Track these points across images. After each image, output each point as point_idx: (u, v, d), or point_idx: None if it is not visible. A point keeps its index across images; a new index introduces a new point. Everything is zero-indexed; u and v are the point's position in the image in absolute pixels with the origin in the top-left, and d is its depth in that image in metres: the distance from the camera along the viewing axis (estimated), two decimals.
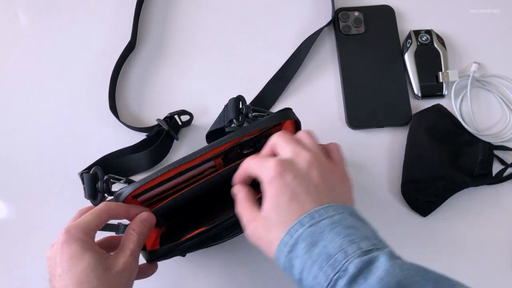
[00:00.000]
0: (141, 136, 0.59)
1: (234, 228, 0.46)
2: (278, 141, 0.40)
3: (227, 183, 0.45)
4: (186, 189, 0.46)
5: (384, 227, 0.55)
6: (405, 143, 0.58)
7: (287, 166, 0.38)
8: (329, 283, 0.32)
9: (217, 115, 0.54)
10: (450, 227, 0.55)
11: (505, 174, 0.56)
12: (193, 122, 0.60)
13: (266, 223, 0.37)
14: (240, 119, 0.50)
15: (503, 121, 0.60)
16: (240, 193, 0.42)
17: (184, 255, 0.50)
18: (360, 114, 0.60)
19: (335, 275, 0.32)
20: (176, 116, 0.58)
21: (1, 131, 0.60)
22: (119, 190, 0.44)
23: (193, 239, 0.44)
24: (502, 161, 0.57)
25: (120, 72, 0.63)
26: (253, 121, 0.49)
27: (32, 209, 0.57)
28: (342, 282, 0.32)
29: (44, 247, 0.54)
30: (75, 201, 0.56)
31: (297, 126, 0.49)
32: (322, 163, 0.39)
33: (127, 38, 0.63)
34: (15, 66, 0.63)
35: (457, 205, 0.56)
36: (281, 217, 0.36)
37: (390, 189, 0.57)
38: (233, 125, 0.50)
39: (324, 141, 0.60)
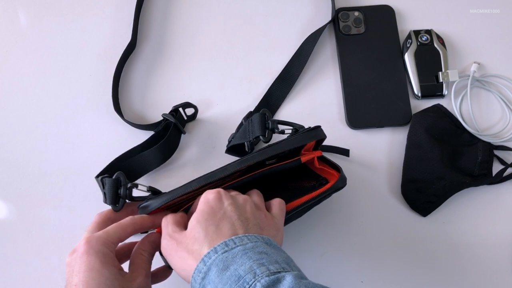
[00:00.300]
0: (146, 134, 0.59)
1: None
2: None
3: (247, 188, 0.46)
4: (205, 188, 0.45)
5: (384, 227, 0.55)
6: (405, 143, 0.58)
7: (226, 194, 0.42)
8: None
9: (219, 113, 0.53)
10: (450, 227, 0.55)
11: (505, 174, 0.56)
12: (198, 116, 0.60)
13: (192, 235, 0.39)
14: (266, 135, 0.50)
15: (503, 121, 0.60)
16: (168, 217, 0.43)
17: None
18: (360, 114, 0.60)
19: None
20: (181, 109, 0.58)
21: (1, 131, 0.60)
22: (145, 202, 0.44)
23: None
24: (502, 161, 0.57)
25: (122, 72, 0.63)
26: (280, 134, 0.50)
27: (32, 209, 0.57)
28: None
29: (44, 247, 0.55)
30: (76, 201, 0.57)
31: (319, 142, 0.49)
32: (257, 205, 0.43)
33: (127, 38, 0.63)
34: (15, 66, 0.63)
35: (457, 205, 0.56)
36: (208, 233, 0.39)
37: (390, 189, 0.57)
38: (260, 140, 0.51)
39: (324, 141, 0.60)
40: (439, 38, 0.62)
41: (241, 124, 0.57)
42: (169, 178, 0.58)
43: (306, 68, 0.62)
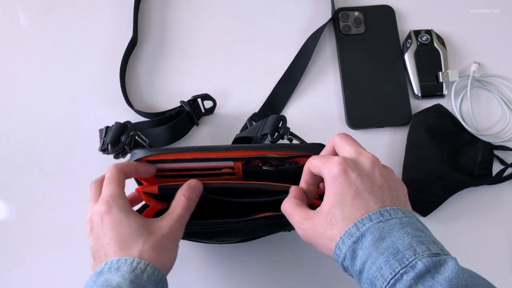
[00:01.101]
0: None
1: (243, 233, 0.47)
2: (339, 141, 0.41)
3: (238, 195, 0.46)
4: (200, 178, 0.46)
5: None
6: (405, 143, 0.58)
7: (351, 164, 0.37)
8: (394, 276, 0.32)
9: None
10: (450, 227, 0.55)
11: (505, 174, 0.56)
12: (215, 111, 0.60)
13: (327, 220, 0.37)
14: (274, 137, 0.50)
15: (503, 121, 0.60)
16: (290, 192, 0.42)
17: None
18: (360, 114, 0.60)
19: (401, 269, 0.32)
20: (199, 100, 0.57)
21: (1, 131, 0.60)
22: (136, 149, 0.44)
23: (199, 227, 0.45)
24: (502, 161, 0.57)
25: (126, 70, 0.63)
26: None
27: (32, 209, 0.57)
28: (407, 277, 0.32)
29: (44, 247, 0.55)
30: (76, 201, 0.57)
31: None
32: (384, 166, 0.39)
33: (127, 37, 0.63)
34: (15, 66, 0.63)
35: (457, 205, 0.56)
36: (345, 213, 0.36)
37: None
38: (265, 140, 0.51)
39: (324, 141, 0.60)
40: (439, 38, 0.62)
41: (245, 125, 0.57)
42: None
43: (307, 68, 0.62)
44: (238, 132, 0.58)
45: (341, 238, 0.35)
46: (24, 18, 0.66)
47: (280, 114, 0.60)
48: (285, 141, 0.50)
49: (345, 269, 0.37)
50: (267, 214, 0.45)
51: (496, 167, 0.57)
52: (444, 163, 0.55)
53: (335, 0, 0.65)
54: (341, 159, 0.38)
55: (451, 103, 0.60)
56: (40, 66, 0.63)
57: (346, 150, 0.40)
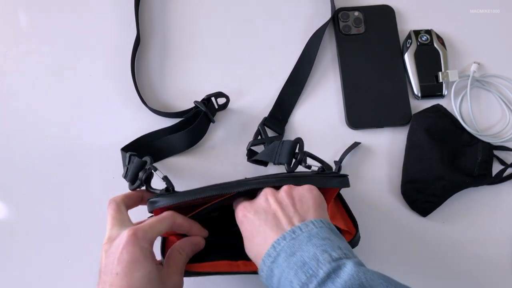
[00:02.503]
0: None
1: None
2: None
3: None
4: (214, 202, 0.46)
5: (384, 227, 0.55)
6: (405, 143, 0.58)
7: (247, 207, 0.43)
8: (302, 286, 0.36)
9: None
10: (450, 227, 0.55)
11: (505, 174, 0.56)
12: (229, 105, 0.60)
13: (251, 256, 0.43)
14: (291, 166, 0.49)
15: (503, 121, 0.60)
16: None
17: None
18: (360, 114, 0.60)
19: (307, 279, 0.36)
20: (213, 99, 0.58)
21: (1, 131, 0.60)
22: (153, 197, 0.44)
23: (216, 274, 0.45)
24: (502, 162, 0.57)
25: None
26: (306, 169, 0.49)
27: (32, 209, 0.57)
28: (312, 286, 0.35)
29: (44, 247, 0.55)
30: (76, 201, 0.57)
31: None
32: (283, 190, 0.43)
33: (127, 36, 0.63)
34: (15, 66, 0.63)
35: (457, 205, 0.56)
36: (256, 248, 0.41)
37: (390, 189, 0.57)
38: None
39: (324, 141, 0.60)
40: (439, 38, 0.62)
41: (257, 131, 0.57)
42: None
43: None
44: (251, 131, 0.58)
45: (262, 260, 0.39)
46: (24, 18, 0.66)
47: (288, 116, 0.60)
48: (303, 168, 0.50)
49: (265, 282, 0.40)
50: None
51: (496, 168, 0.57)
52: (444, 163, 0.55)
53: (335, 0, 0.65)
54: (241, 206, 0.44)
55: (451, 103, 0.60)
56: (40, 66, 0.63)
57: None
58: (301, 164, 0.49)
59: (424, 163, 0.55)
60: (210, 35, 0.65)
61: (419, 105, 0.60)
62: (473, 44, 0.63)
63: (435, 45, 0.62)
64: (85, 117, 0.61)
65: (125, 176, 0.49)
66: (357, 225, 0.48)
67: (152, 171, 0.47)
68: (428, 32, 0.62)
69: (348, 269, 0.35)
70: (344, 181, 0.46)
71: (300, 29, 0.64)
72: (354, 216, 0.49)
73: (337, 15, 0.64)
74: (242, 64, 0.63)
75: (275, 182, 0.44)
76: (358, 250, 0.54)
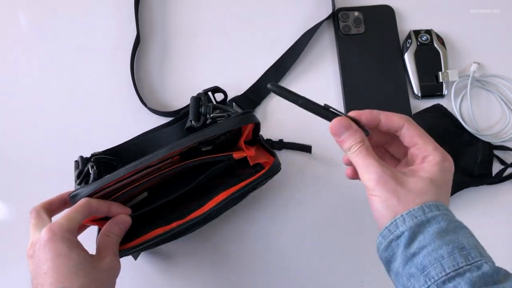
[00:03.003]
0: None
1: (197, 225, 0.47)
2: (414, 132, 0.40)
3: (185, 176, 0.46)
4: (141, 181, 0.46)
5: None
6: None
7: (451, 160, 0.38)
8: (456, 269, 0.32)
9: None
10: None
11: (505, 174, 0.56)
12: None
13: (426, 187, 0.36)
14: (200, 120, 0.50)
15: (503, 121, 0.60)
16: (359, 136, 0.40)
17: (136, 258, 0.51)
18: None
19: (466, 266, 0.32)
20: (210, 94, 0.58)
21: (1, 131, 0.60)
22: (74, 190, 0.44)
23: (154, 239, 0.45)
24: (502, 161, 0.57)
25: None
26: (214, 122, 0.49)
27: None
28: (471, 275, 0.32)
29: None
30: None
31: (256, 126, 0.49)
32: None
33: (127, 35, 0.63)
34: (15, 66, 0.63)
35: (457, 205, 0.56)
36: (438, 194, 0.36)
37: None
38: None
39: (324, 141, 0.60)
40: (439, 38, 0.62)
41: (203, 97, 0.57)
42: None
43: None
44: None
45: (402, 215, 0.35)
46: (24, 18, 0.66)
47: (263, 98, 0.61)
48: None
49: (389, 243, 0.35)
50: (229, 192, 0.46)
51: (496, 167, 0.57)
52: None
53: (335, 1, 0.65)
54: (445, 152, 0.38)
55: (451, 103, 0.60)
56: (40, 66, 0.63)
57: (430, 146, 0.38)
58: (206, 118, 0.50)
59: None
60: (210, 35, 0.65)
61: (419, 105, 0.60)
62: (473, 44, 0.63)
63: (435, 45, 0.62)
64: (85, 117, 0.61)
65: (191, 116, 0.51)
66: (275, 154, 0.49)
67: (89, 168, 0.47)
68: (428, 32, 0.62)
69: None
70: (247, 117, 0.46)
71: (300, 28, 0.64)
72: (270, 149, 0.51)
73: (337, 15, 0.64)
74: (242, 64, 0.63)
75: (186, 142, 0.44)
76: (358, 250, 0.54)
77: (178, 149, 0.44)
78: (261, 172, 0.47)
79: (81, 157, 0.50)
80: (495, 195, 0.56)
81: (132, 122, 0.60)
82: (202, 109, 0.50)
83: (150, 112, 0.60)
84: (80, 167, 0.49)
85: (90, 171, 0.46)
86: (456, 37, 0.64)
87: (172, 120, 0.58)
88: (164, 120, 0.59)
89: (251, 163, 0.49)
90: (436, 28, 0.63)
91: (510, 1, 0.66)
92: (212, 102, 0.54)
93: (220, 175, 0.50)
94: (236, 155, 0.48)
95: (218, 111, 0.51)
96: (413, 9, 0.65)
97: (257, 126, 0.49)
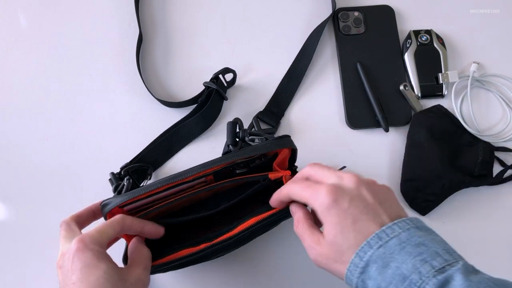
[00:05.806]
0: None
1: (228, 248, 0.46)
2: (314, 171, 0.41)
3: (218, 198, 0.46)
4: (173, 198, 0.46)
5: None
6: (405, 143, 0.58)
7: (339, 191, 0.38)
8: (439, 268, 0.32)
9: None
10: (450, 227, 0.55)
11: (505, 175, 0.56)
12: (237, 81, 0.61)
13: (334, 249, 0.37)
14: (237, 145, 0.50)
15: (503, 121, 0.60)
16: (298, 213, 0.42)
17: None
18: (360, 114, 0.60)
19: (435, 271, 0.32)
20: (220, 76, 0.58)
21: (1, 131, 0.60)
22: (105, 200, 0.44)
23: (183, 259, 0.44)
24: (502, 163, 0.57)
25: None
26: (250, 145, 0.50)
27: (32, 209, 0.57)
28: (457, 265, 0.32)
29: (44, 247, 0.55)
30: (76, 201, 0.56)
31: (293, 153, 0.49)
32: (366, 180, 0.40)
33: (127, 34, 0.63)
34: (15, 66, 0.63)
35: (457, 205, 0.56)
36: (350, 240, 0.36)
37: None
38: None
39: (324, 141, 0.60)
40: (439, 38, 0.62)
41: (251, 124, 0.59)
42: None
43: (308, 67, 0.62)
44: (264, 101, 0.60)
45: (348, 269, 0.36)
46: (24, 18, 0.66)
47: (284, 110, 0.60)
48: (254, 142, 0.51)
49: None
50: (260, 217, 0.45)
51: (496, 169, 0.57)
52: (444, 162, 0.55)
53: (335, 1, 0.65)
54: (329, 188, 0.38)
55: (451, 103, 0.60)
56: (40, 66, 0.63)
57: (327, 176, 0.40)
58: (244, 141, 0.50)
59: (424, 162, 0.55)
60: (209, 34, 0.65)
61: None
62: (473, 44, 0.63)
63: (435, 45, 0.62)
64: (85, 116, 0.61)
65: (228, 141, 0.51)
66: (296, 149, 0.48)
67: (248, 133, 0.49)
68: (428, 32, 0.62)
69: (458, 284, 0.32)
70: (284, 141, 0.46)
71: (300, 28, 0.64)
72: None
73: (337, 15, 0.64)
74: (243, 60, 0.63)
75: (221, 161, 0.44)
76: None
77: (214, 167, 0.43)
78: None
79: (112, 173, 0.51)
80: (495, 196, 0.56)
81: (132, 121, 0.60)
82: (240, 134, 0.50)
83: (155, 110, 0.60)
84: (114, 183, 0.50)
85: (125, 183, 0.47)
86: (456, 37, 0.64)
87: (191, 112, 0.59)
88: (173, 112, 0.60)
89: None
90: (436, 28, 0.63)
91: (510, 1, 0.66)
92: (244, 128, 0.53)
93: (253, 201, 0.49)
94: (272, 175, 0.47)
95: (256, 138, 0.51)
96: (413, 9, 0.65)
97: (293, 153, 0.48)
